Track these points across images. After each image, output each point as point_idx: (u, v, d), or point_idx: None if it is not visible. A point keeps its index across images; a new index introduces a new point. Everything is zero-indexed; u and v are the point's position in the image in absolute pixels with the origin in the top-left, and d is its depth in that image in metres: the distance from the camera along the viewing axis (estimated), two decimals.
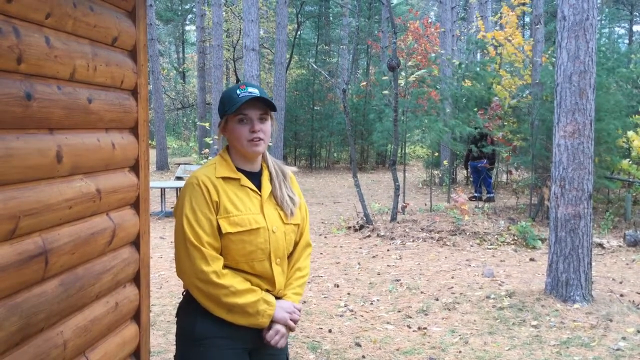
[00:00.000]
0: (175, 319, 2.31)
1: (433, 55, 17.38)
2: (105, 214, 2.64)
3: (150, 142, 12.73)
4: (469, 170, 14.21)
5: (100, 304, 2.61)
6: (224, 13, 23.24)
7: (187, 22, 40.02)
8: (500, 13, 16.40)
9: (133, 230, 2.91)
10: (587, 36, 5.59)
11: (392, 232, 9.14)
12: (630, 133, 9.62)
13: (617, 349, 4.51)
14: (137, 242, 2.97)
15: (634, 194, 10.53)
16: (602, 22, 35.65)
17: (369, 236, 9.22)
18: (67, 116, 2.29)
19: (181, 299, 2.33)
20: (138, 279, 3.00)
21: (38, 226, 2.11)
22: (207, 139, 15.05)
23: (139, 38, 2.91)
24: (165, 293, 6.06)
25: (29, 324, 2.06)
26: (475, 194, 12.96)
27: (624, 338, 4.73)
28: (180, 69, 37.73)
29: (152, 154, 21.01)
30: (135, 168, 2.95)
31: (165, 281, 6.55)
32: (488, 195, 12.78)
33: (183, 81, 36.77)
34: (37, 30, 2.09)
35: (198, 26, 26.19)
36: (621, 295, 5.81)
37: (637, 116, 10.21)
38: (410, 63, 14.44)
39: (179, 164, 17.15)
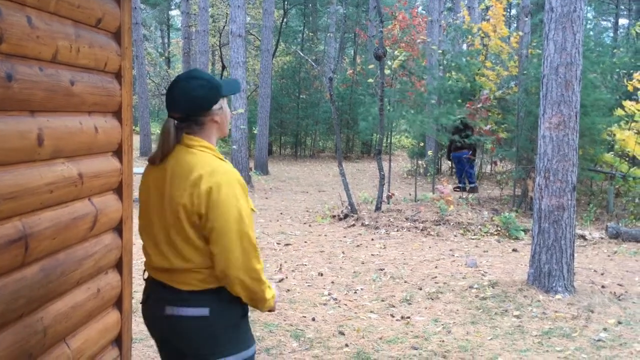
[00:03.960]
0: (207, 318, 2.14)
1: (421, 45, 17.37)
2: (87, 198, 2.60)
3: (134, 127, 12.63)
4: (452, 161, 14.24)
5: (82, 290, 2.58)
6: None
7: (173, 7, 39.55)
8: (486, 3, 16.39)
9: (115, 215, 2.88)
10: (574, 28, 5.59)
11: (376, 222, 9.15)
12: (614, 127, 9.70)
13: (598, 340, 4.55)
14: (119, 228, 2.94)
15: (617, 187, 10.62)
16: (588, 14, 35.82)
17: (353, 225, 9.22)
18: (48, 98, 2.24)
19: (202, 298, 2.15)
20: (120, 265, 2.96)
21: (18, 210, 2.07)
22: None
23: (124, 20, 2.86)
24: None
25: (8, 309, 2.02)
26: (460, 185, 13.00)
27: (605, 329, 4.77)
28: (165, 55, 37.35)
29: (136, 139, 20.81)
30: (118, 153, 2.91)
31: None
32: (471, 185, 12.80)
33: (168, 66, 36.42)
34: (19, 10, 2.04)
35: (183, 11, 25.90)
36: (602, 287, 5.87)
37: (620, 110, 10.28)
38: (396, 52, 14.41)
39: None
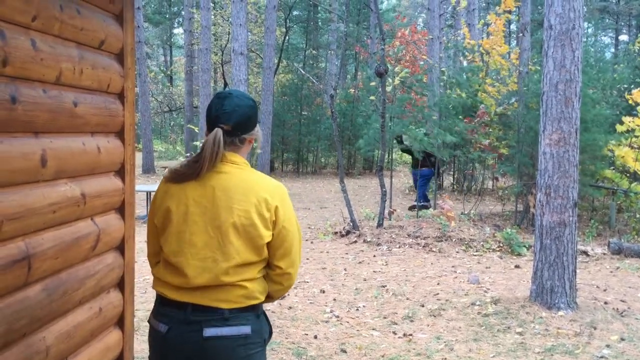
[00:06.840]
0: (248, 336, 2.17)
1: (422, 62, 17.44)
2: (89, 218, 2.62)
3: (136, 145, 12.66)
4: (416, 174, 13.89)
5: (84, 309, 2.59)
6: (212, 16, 23.21)
7: (175, 25, 39.89)
8: (485, 21, 16.49)
9: (117, 235, 2.89)
10: (573, 45, 5.63)
11: (378, 238, 9.14)
12: (613, 143, 9.72)
13: (601, 357, 4.53)
14: (121, 247, 2.95)
15: (618, 202, 10.62)
16: (588, 30, 36.01)
17: (355, 242, 9.22)
18: (52, 120, 2.27)
19: (243, 316, 2.19)
20: (122, 284, 2.97)
21: (22, 230, 2.09)
22: (195, 143, 14.98)
23: (126, 41, 2.90)
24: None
25: (11, 329, 2.03)
26: (423, 202, 12.62)
27: (608, 346, 4.76)
28: (168, 72, 37.58)
29: (139, 157, 20.86)
30: (120, 172, 2.93)
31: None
32: (422, 203, 12.45)
33: (170, 84, 36.62)
34: (23, 33, 2.07)
35: (186, 29, 26.09)
36: (605, 303, 5.85)
37: (620, 126, 10.30)
38: (397, 69, 14.49)
39: (166, 167, 17.05)
